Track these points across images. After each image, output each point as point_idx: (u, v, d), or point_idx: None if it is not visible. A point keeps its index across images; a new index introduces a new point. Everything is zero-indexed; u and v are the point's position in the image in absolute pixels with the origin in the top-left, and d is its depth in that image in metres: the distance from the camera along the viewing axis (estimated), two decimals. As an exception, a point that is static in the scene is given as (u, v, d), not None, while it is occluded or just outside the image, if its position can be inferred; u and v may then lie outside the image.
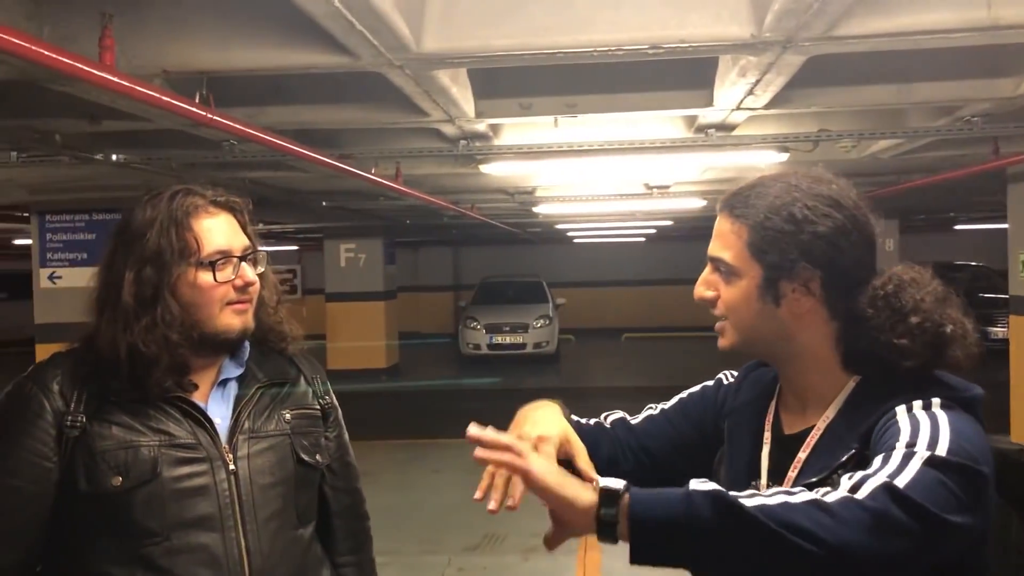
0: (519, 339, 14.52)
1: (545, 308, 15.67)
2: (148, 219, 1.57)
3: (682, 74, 4.25)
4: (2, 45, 2.29)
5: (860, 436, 1.27)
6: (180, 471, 1.53)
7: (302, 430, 1.70)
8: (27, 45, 2.37)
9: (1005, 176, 7.61)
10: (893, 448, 1.16)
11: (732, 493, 1.10)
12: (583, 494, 1.17)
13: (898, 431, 1.20)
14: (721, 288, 1.40)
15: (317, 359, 1.88)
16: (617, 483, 1.14)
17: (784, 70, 3.55)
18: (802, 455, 1.36)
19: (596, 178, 8.00)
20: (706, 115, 4.75)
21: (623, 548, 1.15)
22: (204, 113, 3.40)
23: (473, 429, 1.23)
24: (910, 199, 10.18)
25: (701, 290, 1.43)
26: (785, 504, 1.08)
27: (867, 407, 1.29)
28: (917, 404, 1.24)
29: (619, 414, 1.68)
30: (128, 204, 1.67)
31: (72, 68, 2.57)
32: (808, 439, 1.37)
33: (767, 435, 1.45)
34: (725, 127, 5.04)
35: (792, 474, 1.36)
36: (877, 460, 1.15)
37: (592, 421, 1.65)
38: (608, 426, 1.64)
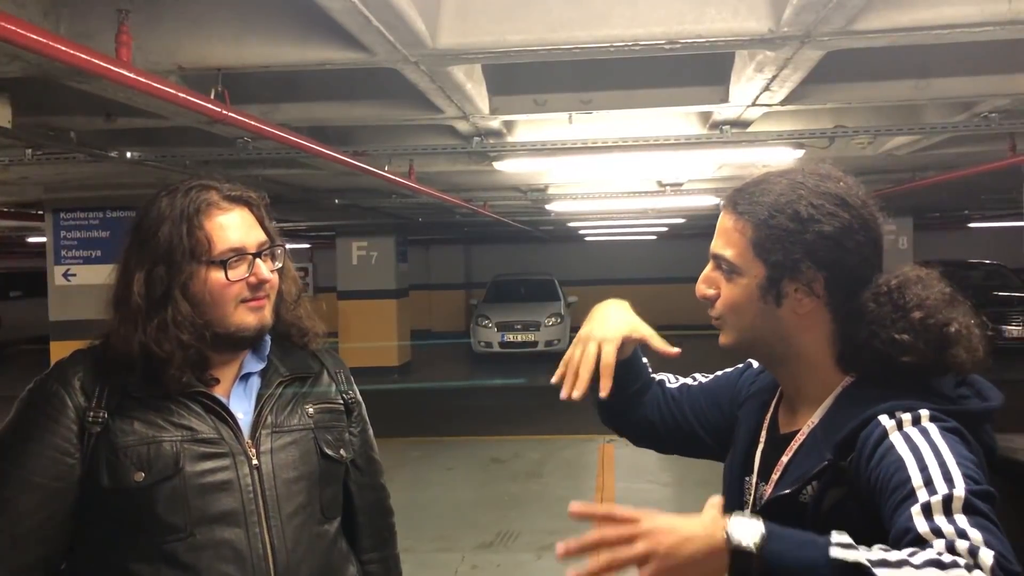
0: (531, 337, 14.52)
1: (557, 306, 15.66)
2: (160, 216, 1.56)
3: (698, 70, 4.23)
4: (20, 41, 2.29)
5: (835, 445, 1.24)
6: (203, 466, 1.52)
7: (325, 424, 1.69)
8: (45, 41, 2.37)
9: (1021, 173, 7.55)
10: (914, 498, 1.11)
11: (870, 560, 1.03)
12: (705, 546, 1.09)
13: (901, 465, 1.15)
14: (722, 286, 1.38)
15: (331, 356, 1.87)
16: (746, 536, 1.07)
17: (802, 65, 3.53)
18: (784, 459, 1.35)
19: (609, 175, 7.98)
20: (721, 111, 4.73)
21: None
22: (219, 109, 3.39)
23: (576, 506, 1.18)
24: (925, 196, 10.11)
25: (703, 288, 1.41)
26: None
27: (848, 412, 1.27)
28: (906, 418, 1.20)
29: (661, 376, 1.70)
30: (143, 201, 1.64)
31: (89, 64, 2.57)
32: (793, 441, 1.36)
33: (763, 433, 1.45)
34: (740, 124, 5.02)
35: (775, 476, 1.36)
36: (915, 512, 1.09)
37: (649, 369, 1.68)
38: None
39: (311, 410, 1.67)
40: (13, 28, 2.25)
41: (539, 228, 16.34)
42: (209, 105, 3.34)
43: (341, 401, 1.76)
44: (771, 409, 1.47)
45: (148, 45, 3.14)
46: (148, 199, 1.62)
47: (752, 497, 1.41)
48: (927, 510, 1.09)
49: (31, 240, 14.74)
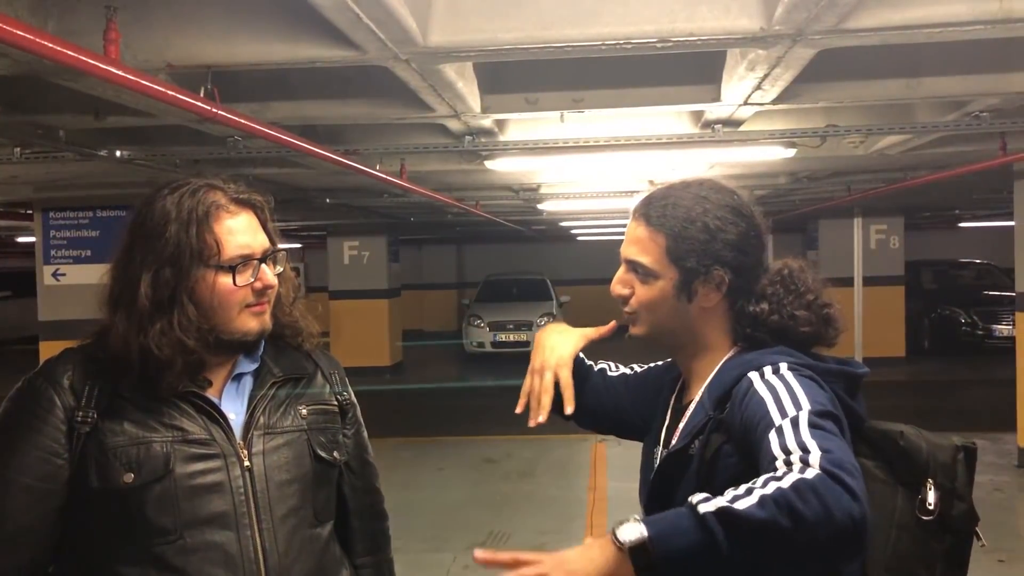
0: (523, 337, 14.49)
1: (549, 306, 15.67)
2: (165, 215, 1.52)
3: (689, 69, 4.22)
4: (7, 38, 2.26)
5: (715, 401, 1.47)
6: (193, 467, 1.49)
7: (319, 426, 1.66)
8: (32, 38, 2.34)
9: (1012, 173, 7.58)
10: (771, 424, 1.30)
11: (725, 498, 1.20)
12: (604, 558, 1.23)
13: (762, 401, 1.35)
14: (637, 287, 1.57)
15: (322, 357, 1.85)
16: (631, 533, 1.21)
17: (793, 64, 3.52)
18: (680, 425, 1.56)
19: (601, 174, 7.98)
20: (713, 110, 4.73)
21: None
22: (210, 108, 3.37)
23: (479, 553, 1.29)
24: (916, 196, 10.15)
25: (619, 288, 1.60)
26: (767, 496, 1.18)
27: (727, 374, 1.49)
28: (768, 370, 1.42)
29: (602, 364, 1.90)
30: (142, 198, 1.60)
31: (77, 61, 2.54)
32: (687, 409, 1.56)
33: (669, 410, 1.66)
34: (732, 123, 5.02)
35: (673, 441, 1.56)
36: (771, 438, 1.28)
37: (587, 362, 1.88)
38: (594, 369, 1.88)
39: (304, 411, 1.65)
40: (0, 25, 2.22)
41: (531, 228, 16.36)
42: (199, 103, 3.31)
43: (335, 402, 1.73)
44: (676, 388, 1.68)
45: (137, 43, 3.12)
46: (148, 196, 1.58)
47: (657, 462, 1.60)
48: (780, 432, 1.28)
49: (20, 240, 14.67)
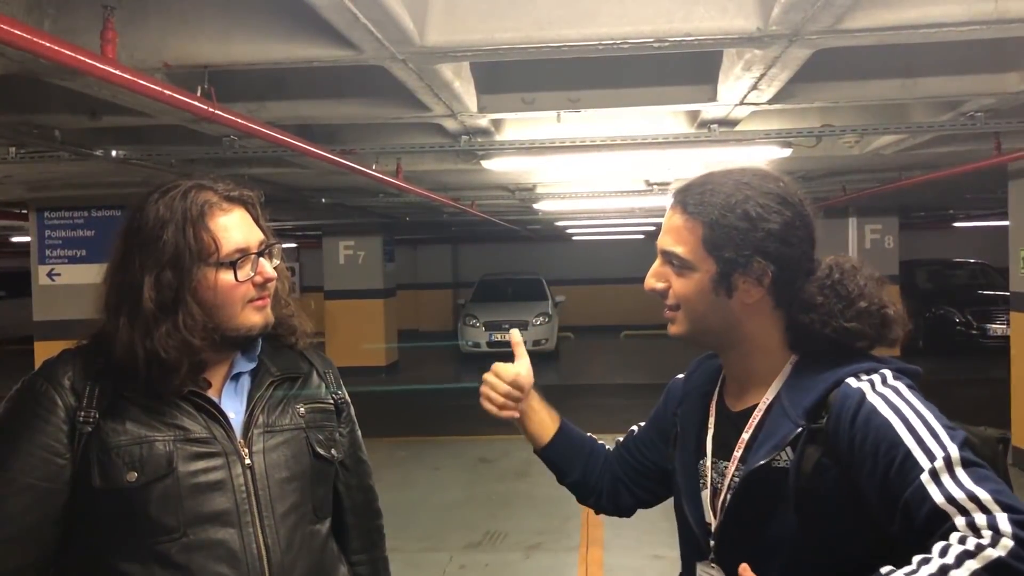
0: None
1: (544, 305, 15.68)
2: (162, 219, 1.53)
3: (686, 69, 4.23)
4: (3, 37, 2.26)
5: (806, 412, 1.36)
6: (196, 466, 1.51)
7: (317, 424, 1.68)
8: (29, 37, 2.34)
9: (1006, 173, 7.60)
10: (916, 464, 1.23)
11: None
12: None
13: (887, 425, 1.27)
14: (672, 280, 1.48)
15: (317, 356, 1.86)
16: None
17: (790, 64, 3.53)
18: (745, 435, 1.45)
19: (597, 174, 7.99)
20: (709, 110, 4.73)
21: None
22: (206, 107, 3.36)
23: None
24: (911, 196, 10.17)
25: (652, 282, 1.51)
26: None
27: (808, 382, 1.40)
28: (877, 380, 1.34)
29: (614, 443, 1.83)
30: (131, 201, 1.62)
31: (75, 61, 2.54)
32: (751, 418, 1.45)
33: (711, 418, 1.55)
34: (728, 123, 5.02)
35: (737, 453, 1.46)
36: (928, 485, 1.21)
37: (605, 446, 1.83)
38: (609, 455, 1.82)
39: (302, 410, 1.67)
40: (-4, 24, 2.22)
41: (527, 227, 16.35)
42: (196, 103, 3.31)
43: (331, 401, 1.75)
44: (715, 397, 1.57)
45: (134, 42, 3.12)
46: (139, 201, 1.59)
47: (710, 475, 1.51)
48: (935, 476, 1.21)
49: (15, 240, 14.63)
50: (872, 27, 3.02)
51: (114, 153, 5.24)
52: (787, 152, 5.83)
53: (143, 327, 1.49)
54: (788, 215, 1.42)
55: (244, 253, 1.56)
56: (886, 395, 1.31)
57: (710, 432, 1.53)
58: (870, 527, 1.31)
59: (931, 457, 1.23)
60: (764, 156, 5.81)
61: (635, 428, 1.81)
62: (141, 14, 3.09)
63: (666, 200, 1.54)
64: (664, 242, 1.48)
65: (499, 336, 14.55)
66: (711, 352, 1.63)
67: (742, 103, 4.36)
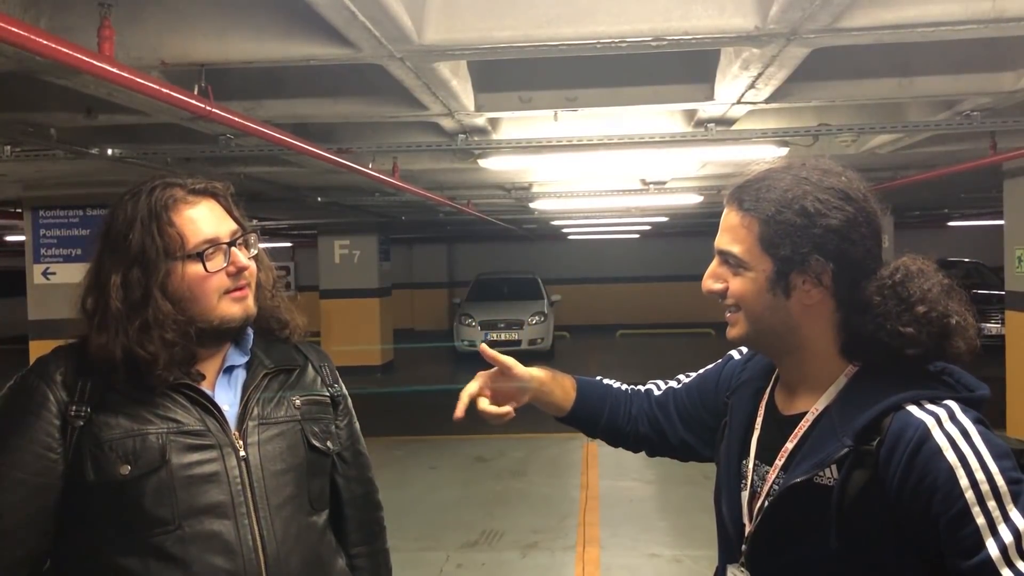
0: (514, 336, 14.51)
1: (540, 305, 15.67)
2: (128, 219, 1.55)
3: (683, 68, 4.23)
4: (0, 35, 2.25)
5: (855, 433, 1.29)
6: (189, 458, 1.51)
7: (312, 416, 1.69)
8: (25, 35, 2.33)
9: (1001, 172, 7.62)
10: (977, 528, 1.20)
11: None
12: None
13: (951, 474, 1.21)
14: (730, 280, 1.41)
15: (313, 354, 1.86)
16: None
17: (787, 63, 3.53)
18: (790, 444, 1.39)
19: (593, 173, 7.99)
20: (706, 109, 4.73)
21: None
22: (203, 105, 3.35)
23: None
24: (906, 195, 10.18)
25: (710, 283, 1.45)
26: None
27: (862, 399, 1.31)
28: (943, 416, 1.26)
29: (649, 385, 1.78)
30: (108, 207, 1.63)
31: (72, 59, 2.53)
32: (799, 427, 1.39)
33: (759, 418, 1.49)
34: (725, 121, 5.03)
35: (779, 461, 1.40)
36: (992, 549, 1.19)
37: (625, 387, 1.78)
38: (637, 392, 1.77)
39: (298, 402, 1.67)
40: (-7, 21, 2.21)
41: (523, 227, 16.34)
42: (193, 101, 3.30)
43: (327, 394, 1.76)
44: (767, 395, 1.50)
45: (131, 40, 3.11)
46: (112, 204, 1.61)
47: (751, 477, 1.46)
48: (1006, 556, 1.18)
49: (9, 239, 14.59)
50: (870, 26, 3.03)
51: (110, 152, 5.23)
52: (784, 151, 5.83)
53: (115, 326, 1.51)
54: (850, 211, 1.34)
55: (213, 244, 1.56)
56: (952, 436, 1.24)
57: (756, 432, 1.48)
58: (914, 559, 1.28)
59: (995, 534, 1.19)
60: (761, 155, 5.82)
61: (678, 381, 1.76)
62: (138, 12, 3.08)
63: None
64: (721, 241, 1.42)
65: (495, 335, 14.55)
66: None
67: (739, 102, 4.36)
